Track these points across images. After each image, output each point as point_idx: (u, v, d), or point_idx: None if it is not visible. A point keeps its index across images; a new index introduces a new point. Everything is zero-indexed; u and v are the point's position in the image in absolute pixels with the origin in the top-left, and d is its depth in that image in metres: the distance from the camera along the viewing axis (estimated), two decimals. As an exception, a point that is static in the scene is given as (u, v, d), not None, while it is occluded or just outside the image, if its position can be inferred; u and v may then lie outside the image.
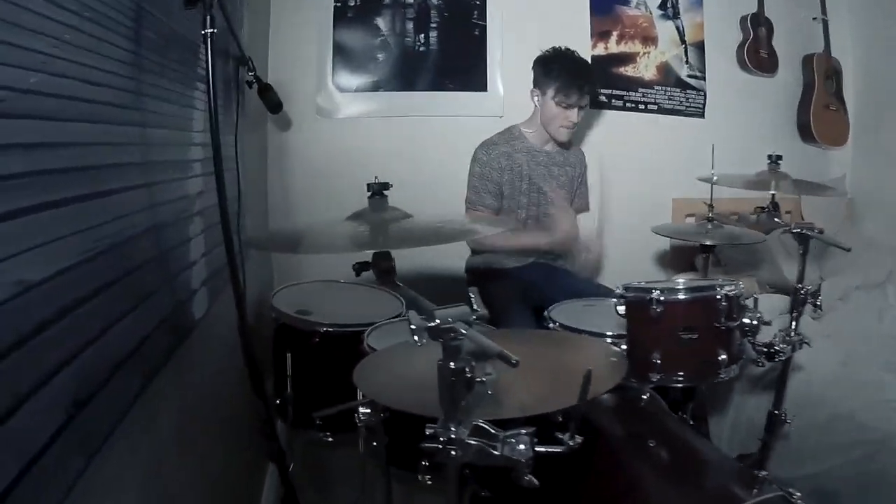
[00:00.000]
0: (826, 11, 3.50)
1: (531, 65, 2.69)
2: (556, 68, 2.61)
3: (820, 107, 3.55)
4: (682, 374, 1.68)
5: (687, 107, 3.41)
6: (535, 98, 2.69)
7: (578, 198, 2.92)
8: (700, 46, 3.41)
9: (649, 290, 1.69)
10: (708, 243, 2.38)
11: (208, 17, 1.29)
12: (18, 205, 0.80)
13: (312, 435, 1.99)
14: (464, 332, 0.98)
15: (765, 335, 1.82)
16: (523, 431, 1.02)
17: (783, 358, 1.89)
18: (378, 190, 1.34)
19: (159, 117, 1.38)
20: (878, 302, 3.11)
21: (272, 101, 2.33)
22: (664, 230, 2.63)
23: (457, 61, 3.09)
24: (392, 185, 1.38)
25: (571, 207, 2.83)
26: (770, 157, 2.33)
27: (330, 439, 1.97)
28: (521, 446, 1.00)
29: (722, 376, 1.68)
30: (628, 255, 3.36)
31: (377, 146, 3.00)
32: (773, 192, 2.45)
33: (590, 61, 3.09)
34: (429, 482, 1.60)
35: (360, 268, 1.30)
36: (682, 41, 3.38)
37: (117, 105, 1.13)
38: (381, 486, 1.72)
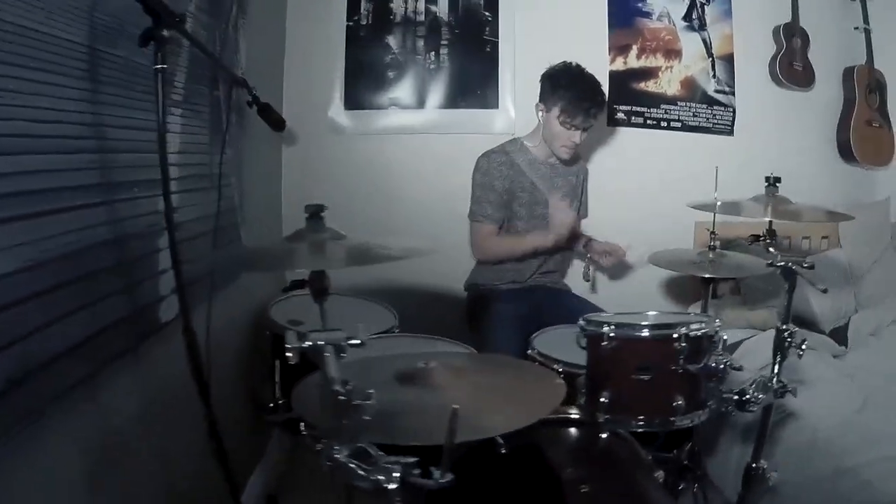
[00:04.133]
0: (868, 20, 3.51)
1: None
2: (564, 87, 2.70)
3: (861, 123, 3.56)
4: (631, 416, 1.68)
5: (714, 124, 3.50)
6: (540, 113, 2.81)
7: (582, 207, 3.12)
8: (729, 59, 3.50)
9: (604, 324, 1.69)
10: (706, 276, 2.28)
11: (159, 55, 1.60)
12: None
13: (300, 439, 2.31)
14: (326, 354, 1.12)
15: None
16: (403, 460, 1.11)
17: (754, 409, 1.81)
18: (315, 212, 1.58)
19: (126, 143, 1.70)
20: (917, 337, 2.99)
21: (273, 120, 2.63)
22: (660, 260, 2.38)
23: (468, 79, 3.33)
24: (327, 208, 1.62)
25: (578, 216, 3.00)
26: (768, 178, 2.25)
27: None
28: (396, 474, 1.10)
29: (677, 423, 1.65)
30: (649, 282, 3.49)
31: (390, 163, 3.31)
32: (768, 219, 2.20)
33: (607, 77, 3.29)
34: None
35: (291, 286, 1.55)
36: (710, 54, 3.47)
37: (72, 137, 1.46)
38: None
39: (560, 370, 2.00)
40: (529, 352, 2.16)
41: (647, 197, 3.40)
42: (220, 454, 1.80)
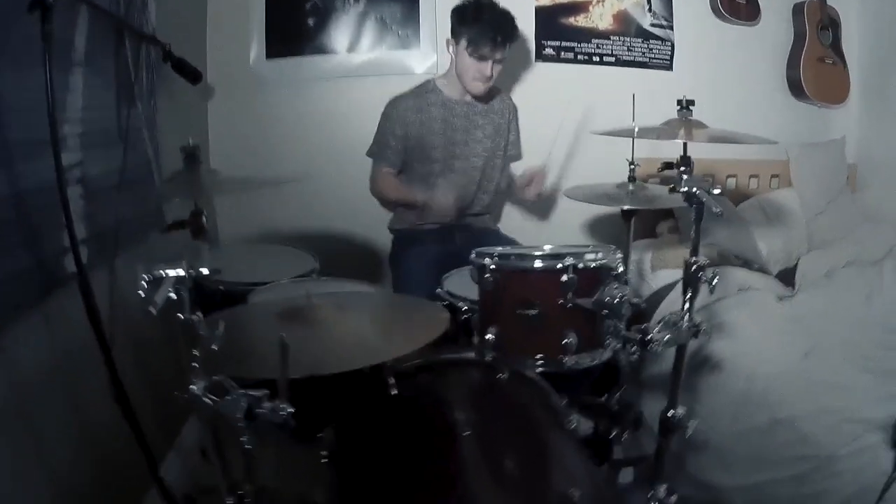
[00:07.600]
0: (819, -46, 3.77)
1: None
2: (472, 18, 2.99)
3: (813, 60, 3.88)
4: (519, 354, 1.80)
5: (651, 59, 3.86)
6: (451, 48, 3.13)
7: (511, 146, 3.47)
8: (667, -8, 3.80)
9: (486, 256, 1.82)
10: (626, 208, 2.55)
11: (43, 17, 1.95)
12: None
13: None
14: (170, 288, 1.28)
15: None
16: (252, 392, 1.26)
17: (658, 348, 1.83)
18: (191, 152, 1.97)
19: (23, 102, 2.10)
20: (870, 281, 3.32)
21: (188, 73, 2.99)
22: (577, 193, 2.67)
23: (389, 21, 3.73)
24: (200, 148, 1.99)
25: (506, 156, 3.42)
26: (680, 101, 2.39)
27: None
28: (242, 404, 1.25)
29: (570, 363, 1.75)
30: (588, 221, 3.90)
31: (314, 110, 3.75)
32: (683, 141, 2.35)
33: (534, 12, 3.67)
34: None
35: (170, 226, 1.95)
36: (644, -13, 3.78)
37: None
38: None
39: (465, 308, 2.21)
40: (438, 291, 2.36)
41: (581, 133, 3.66)
42: (121, 399, 2.17)
